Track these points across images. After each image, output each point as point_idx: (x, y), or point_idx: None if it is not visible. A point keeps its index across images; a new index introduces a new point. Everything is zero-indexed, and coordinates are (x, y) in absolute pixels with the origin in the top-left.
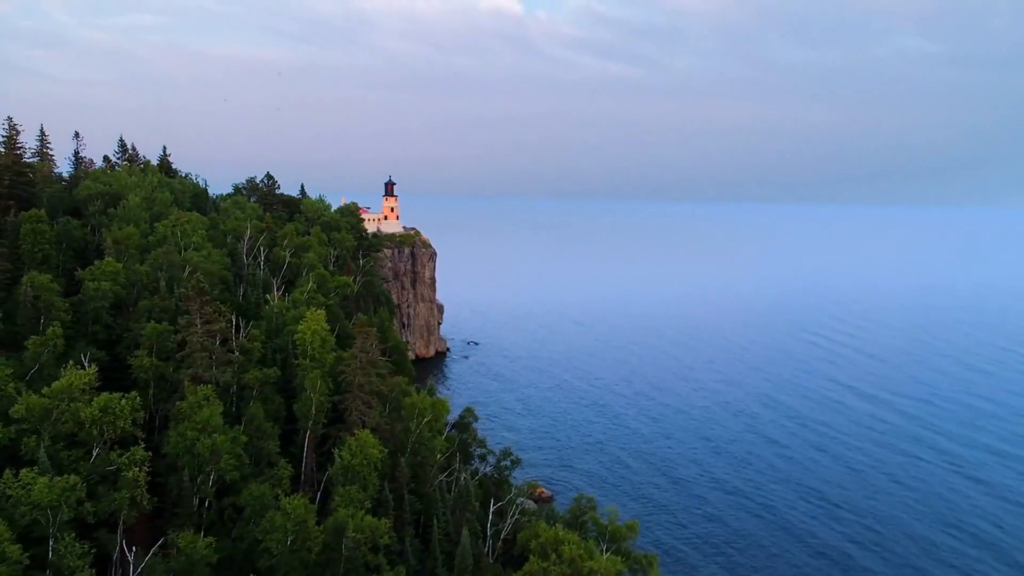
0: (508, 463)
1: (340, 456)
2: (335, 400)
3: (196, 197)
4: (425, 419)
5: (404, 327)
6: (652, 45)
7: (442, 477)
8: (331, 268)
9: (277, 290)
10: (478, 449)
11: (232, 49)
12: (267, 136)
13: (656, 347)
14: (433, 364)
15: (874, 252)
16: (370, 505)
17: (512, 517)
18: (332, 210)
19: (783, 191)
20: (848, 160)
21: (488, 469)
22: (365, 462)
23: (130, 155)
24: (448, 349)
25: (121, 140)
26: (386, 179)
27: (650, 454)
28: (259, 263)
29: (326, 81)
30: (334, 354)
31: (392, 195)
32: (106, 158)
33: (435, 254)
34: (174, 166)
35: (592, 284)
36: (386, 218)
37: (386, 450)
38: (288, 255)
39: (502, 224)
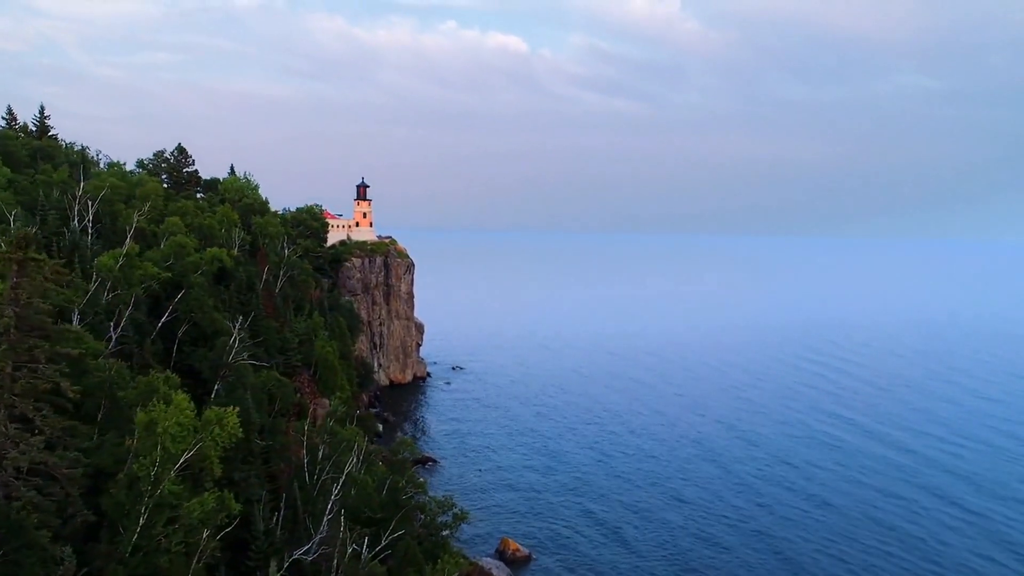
0: (449, 518)
1: None
2: None
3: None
4: (176, 454)
5: (376, 348)
6: (655, 82)
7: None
8: (237, 254)
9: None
10: (419, 496)
11: (245, 86)
12: (275, 170)
13: (657, 377)
14: (408, 391)
15: (874, 284)
16: None
17: None
18: (258, 192)
19: (783, 224)
20: (848, 194)
21: (421, 528)
22: None
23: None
24: (428, 374)
25: None
26: (359, 181)
27: (653, 504)
28: (87, 227)
29: (335, 117)
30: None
31: (365, 199)
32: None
33: (412, 265)
34: (53, 132)
35: (590, 313)
36: (358, 224)
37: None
38: (136, 219)
39: (502, 255)
